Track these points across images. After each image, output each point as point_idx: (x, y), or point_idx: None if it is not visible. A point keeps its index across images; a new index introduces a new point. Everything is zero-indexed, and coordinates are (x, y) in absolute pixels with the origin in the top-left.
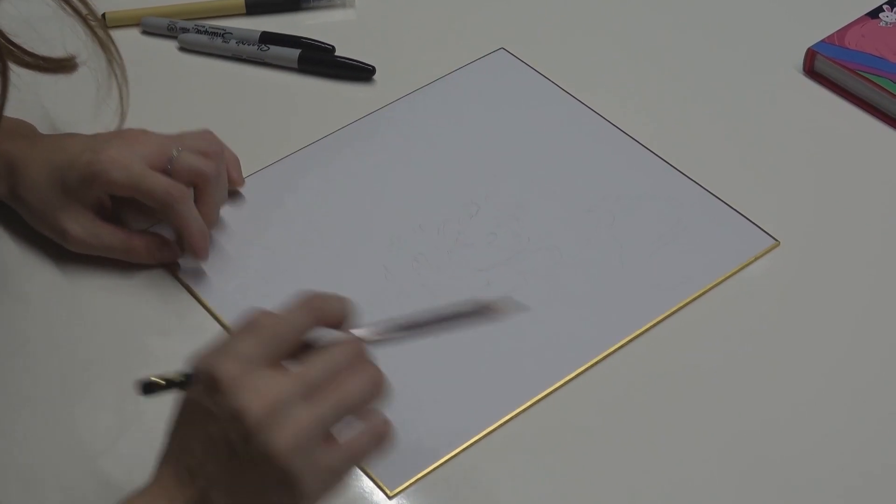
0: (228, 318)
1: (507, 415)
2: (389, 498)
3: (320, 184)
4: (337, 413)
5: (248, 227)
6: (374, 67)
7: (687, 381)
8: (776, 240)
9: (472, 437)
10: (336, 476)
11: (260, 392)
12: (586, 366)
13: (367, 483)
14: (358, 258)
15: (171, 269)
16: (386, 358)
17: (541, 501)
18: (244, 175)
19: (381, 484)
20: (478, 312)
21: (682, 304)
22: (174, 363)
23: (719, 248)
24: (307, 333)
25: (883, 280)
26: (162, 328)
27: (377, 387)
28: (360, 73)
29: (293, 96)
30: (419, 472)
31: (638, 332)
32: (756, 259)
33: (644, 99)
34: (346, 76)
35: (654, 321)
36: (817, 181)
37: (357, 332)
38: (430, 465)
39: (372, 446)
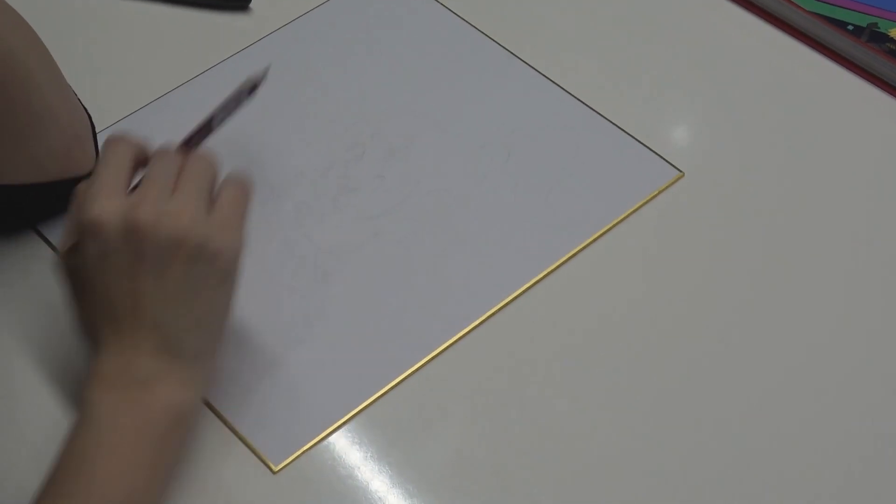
0: None
1: (393, 380)
2: (274, 473)
3: (189, 129)
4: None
5: None
6: None
7: (597, 319)
8: (680, 171)
9: (357, 407)
10: (238, 229)
11: (173, 212)
12: (484, 317)
13: (251, 459)
14: None
15: (39, 230)
16: (267, 332)
17: (433, 466)
18: (115, 121)
19: (265, 459)
20: (246, 89)
21: (587, 242)
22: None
23: (623, 181)
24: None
25: (786, 205)
26: (31, 290)
27: (212, 156)
28: (234, 0)
29: (163, 30)
30: (304, 446)
31: (542, 274)
32: (661, 191)
33: (544, 27)
34: (219, 5)
35: (559, 262)
36: (719, 110)
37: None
38: (315, 437)
39: (239, 187)
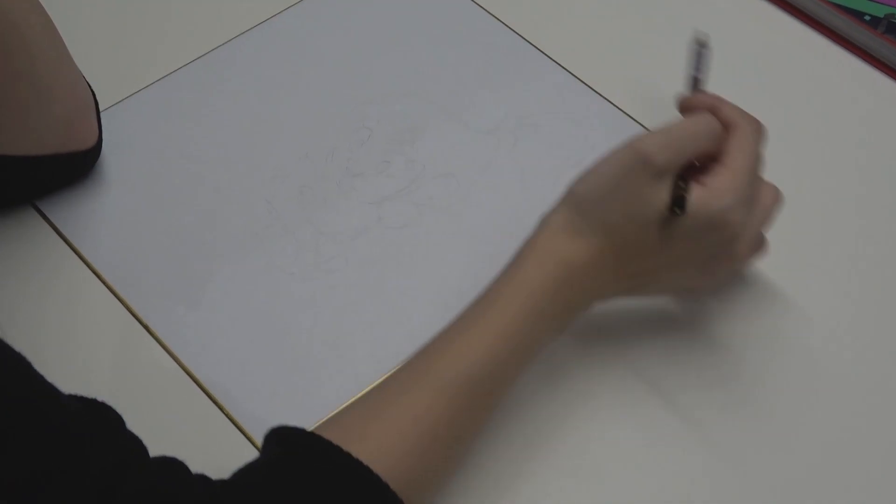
0: (98, 265)
1: (393, 368)
2: None
3: (196, 108)
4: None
5: (120, 160)
6: None
7: (599, 308)
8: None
9: (356, 394)
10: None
11: (750, 245)
12: None
13: (246, 445)
14: (238, 192)
15: (39, 207)
16: (266, 316)
17: None
18: (120, 99)
19: (252, 439)
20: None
21: None
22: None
23: None
24: None
25: (795, 197)
26: (28, 270)
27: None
28: None
29: (171, 9)
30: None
31: None
32: None
33: (556, 12)
34: None
35: None
36: (730, 99)
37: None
38: (314, 424)
39: (778, 196)
